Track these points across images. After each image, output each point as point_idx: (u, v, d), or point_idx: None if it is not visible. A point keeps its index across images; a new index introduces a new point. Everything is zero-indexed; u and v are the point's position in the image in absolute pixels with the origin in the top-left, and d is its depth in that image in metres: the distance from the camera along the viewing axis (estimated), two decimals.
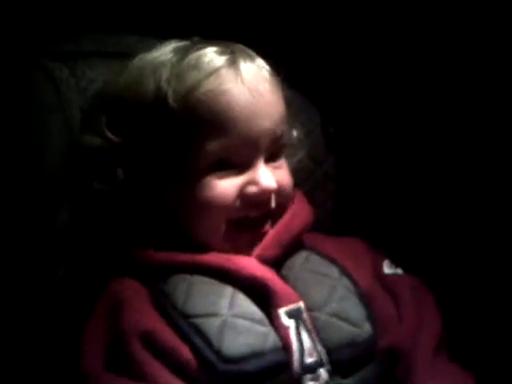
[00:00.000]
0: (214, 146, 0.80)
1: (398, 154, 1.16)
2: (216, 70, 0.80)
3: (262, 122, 0.81)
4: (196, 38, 0.87)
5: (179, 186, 0.82)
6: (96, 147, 0.85)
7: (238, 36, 0.87)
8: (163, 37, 0.91)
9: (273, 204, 0.83)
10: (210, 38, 0.86)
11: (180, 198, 0.83)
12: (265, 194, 0.82)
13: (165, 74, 0.81)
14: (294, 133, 0.92)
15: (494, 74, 1.09)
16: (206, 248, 0.83)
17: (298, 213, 0.88)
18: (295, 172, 0.90)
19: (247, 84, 0.81)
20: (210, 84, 0.80)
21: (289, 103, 0.88)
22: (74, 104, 0.92)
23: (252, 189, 0.81)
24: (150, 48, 0.88)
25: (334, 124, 1.04)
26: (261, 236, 0.84)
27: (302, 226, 0.88)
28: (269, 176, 0.82)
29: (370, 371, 0.80)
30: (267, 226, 0.85)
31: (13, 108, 0.90)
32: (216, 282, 0.80)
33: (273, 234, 0.85)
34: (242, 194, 0.82)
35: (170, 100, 0.80)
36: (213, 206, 0.81)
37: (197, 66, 0.81)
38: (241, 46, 0.86)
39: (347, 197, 1.06)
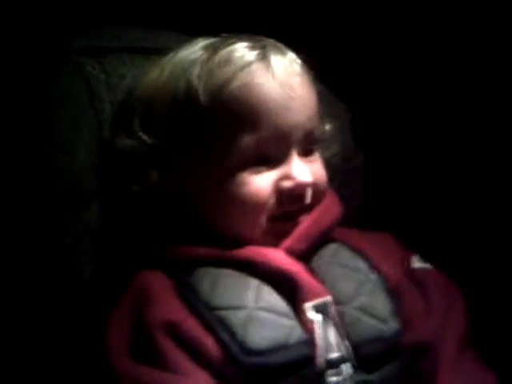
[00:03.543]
0: (247, 140, 0.80)
1: (426, 150, 1.15)
2: (247, 65, 0.81)
3: (295, 116, 0.81)
4: (224, 35, 0.86)
5: (214, 184, 0.82)
6: (130, 149, 0.84)
7: (265, 32, 0.87)
8: (190, 33, 0.92)
9: (308, 199, 0.83)
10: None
11: (215, 196, 0.82)
12: (300, 188, 0.82)
13: (196, 71, 0.81)
14: (327, 127, 0.92)
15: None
16: (237, 241, 0.82)
17: (328, 208, 0.87)
18: (326, 168, 0.89)
19: (279, 78, 0.81)
20: (241, 79, 0.80)
21: (320, 97, 0.88)
22: (104, 100, 0.92)
23: (287, 183, 0.82)
24: (179, 44, 0.88)
25: (362, 121, 1.04)
26: (296, 226, 0.84)
27: (332, 221, 0.87)
28: (304, 170, 0.82)
29: (394, 367, 0.80)
30: (303, 218, 0.84)
31: (43, 103, 0.91)
32: (242, 274, 0.80)
33: (302, 228, 0.84)
34: (277, 190, 0.82)
35: (202, 96, 0.80)
36: (249, 203, 0.81)
37: (228, 61, 0.81)
38: (271, 41, 0.86)
39: (375, 192, 1.05)
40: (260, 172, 0.81)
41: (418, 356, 0.83)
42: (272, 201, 0.82)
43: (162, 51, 0.91)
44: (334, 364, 0.78)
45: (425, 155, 1.16)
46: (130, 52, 0.97)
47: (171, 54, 0.86)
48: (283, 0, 1.16)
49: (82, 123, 0.91)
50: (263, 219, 0.82)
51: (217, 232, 0.83)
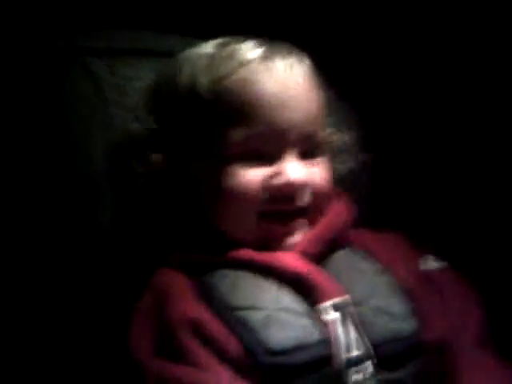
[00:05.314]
0: (241, 134, 0.81)
1: (432, 150, 1.16)
2: (249, 61, 0.82)
3: (291, 115, 0.82)
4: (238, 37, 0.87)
5: (209, 174, 0.83)
6: (138, 133, 0.88)
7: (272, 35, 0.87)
8: (198, 36, 0.92)
9: (302, 200, 0.83)
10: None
11: (210, 187, 0.83)
12: (290, 187, 0.82)
13: (201, 64, 0.84)
14: (340, 137, 0.93)
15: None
16: (238, 244, 0.83)
17: (341, 211, 0.88)
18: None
19: (278, 76, 0.82)
20: (240, 73, 0.82)
21: (333, 108, 0.90)
22: (113, 101, 0.92)
23: (277, 180, 0.82)
24: (184, 45, 0.90)
25: (370, 121, 1.04)
26: (292, 230, 0.84)
27: (344, 223, 0.88)
28: (296, 169, 0.82)
29: (416, 366, 0.80)
30: (300, 221, 0.84)
31: (52, 103, 0.91)
32: (260, 276, 0.80)
33: (316, 231, 0.85)
34: (268, 186, 0.82)
35: (202, 88, 0.82)
36: (239, 196, 0.81)
37: (231, 56, 0.83)
38: (284, 44, 0.86)
39: (384, 193, 1.06)
40: (253, 166, 0.82)
41: (437, 355, 0.82)
42: (262, 196, 0.82)
43: (170, 54, 0.91)
44: (355, 362, 0.77)
45: (430, 155, 1.16)
46: (138, 55, 0.97)
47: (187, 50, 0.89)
48: (286, 4, 1.17)
49: (92, 123, 0.91)
50: (252, 215, 0.82)
51: (217, 232, 0.84)
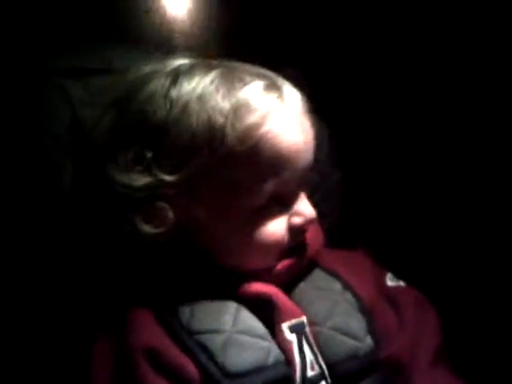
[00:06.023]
0: (271, 184, 0.81)
1: (403, 169, 1.18)
2: (271, 111, 0.80)
3: (309, 156, 0.84)
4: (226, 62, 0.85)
5: (229, 225, 0.82)
6: (142, 187, 0.80)
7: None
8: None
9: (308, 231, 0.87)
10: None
11: (229, 237, 0.83)
12: (307, 224, 0.85)
13: (217, 111, 0.78)
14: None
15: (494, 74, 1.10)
16: (242, 275, 0.84)
17: (314, 239, 0.89)
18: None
19: (298, 121, 0.82)
20: (268, 125, 0.79)
21: None
22: (88, 121, 0.92)
23: (297, 220, 0.84)
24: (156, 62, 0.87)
25: (340, 138, 1.06)
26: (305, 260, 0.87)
27: (315, 252, 0.90)
28: (309, 206, 0.85)
29: (370, 383, 0.83)
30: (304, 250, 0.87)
31: (28, 127, 0.93)
32: (220, 298, 0.83)
33: (290, 263, 0.86)
34: (290, 228, 0.84)
35: (229, 140, 0.78)
36: (265, 244, 0.83)
37: (250, 106, 0.79)
38: (277, 76, 0.85)
39: (352, 210, 1.08)
40: (275, 213, 0.83)
41: (392, 372, 0.85)
42: (286, 239, 0.84)
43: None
44: (311, 382, 0.80)
45: (402, 173, 1.18)
46: (110, 73, 0.97)
47: (168, 83, 0.81)
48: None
49: (67, 147, 0.93)
50: (275, 255, 0.84)
51: (220, 265, 0.84)
